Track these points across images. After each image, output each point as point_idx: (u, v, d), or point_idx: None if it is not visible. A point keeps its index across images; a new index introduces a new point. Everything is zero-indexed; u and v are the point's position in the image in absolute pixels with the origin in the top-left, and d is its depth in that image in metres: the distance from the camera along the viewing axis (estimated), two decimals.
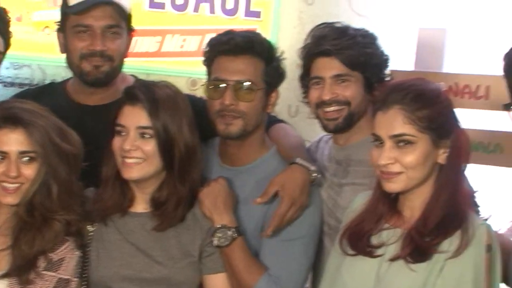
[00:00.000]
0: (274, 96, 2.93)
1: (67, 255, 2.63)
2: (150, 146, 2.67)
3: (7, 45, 3.15)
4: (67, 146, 2.64)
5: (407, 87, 2.38)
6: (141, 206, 2.80)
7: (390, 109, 2.33)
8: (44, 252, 2.59)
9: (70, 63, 3.23)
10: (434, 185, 2.37)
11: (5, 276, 2.57)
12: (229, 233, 2.72)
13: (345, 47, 2.76)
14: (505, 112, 3.26)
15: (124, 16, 3.22)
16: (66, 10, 3.21)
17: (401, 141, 2.31)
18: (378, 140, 2.36)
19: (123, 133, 2.68)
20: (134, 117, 2.68)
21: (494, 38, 3.72)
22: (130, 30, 3.27)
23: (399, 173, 2.32)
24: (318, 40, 2.82)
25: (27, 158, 2.59)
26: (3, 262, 2.59)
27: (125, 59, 3.32)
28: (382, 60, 2.85)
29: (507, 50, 2.25)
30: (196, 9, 3.99)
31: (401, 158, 2.31)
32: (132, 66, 3.39)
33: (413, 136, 2.30)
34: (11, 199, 2.60)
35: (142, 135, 2.67)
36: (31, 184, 2.60)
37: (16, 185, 2.58)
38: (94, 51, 3.13)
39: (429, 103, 2.33)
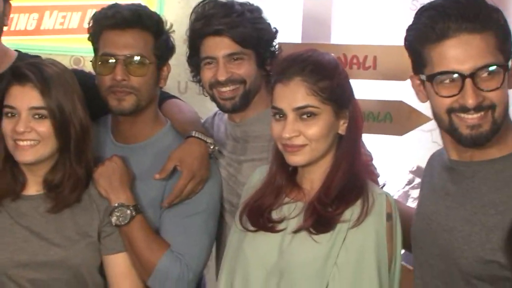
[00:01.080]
0: (166, 70, 2.97)
1: None
2: (45, 127, 2.65)
3: None
4: None
5: (305, 58, 2.44)
6: (33, 188, 2.78)
7: (291, 81, 2.38)
8: None
9: None
10: (334, 156, 2.45)
11: None
12: (128, 211, 2.75)
13: (236, 25, 2.81)
14: (394, 82, 3.39)
15: None
16: None
17: (304, 113, 2.37)
18: (279, 114, 2.40)
19: (14, 115, 2.65)
20: (25, 98, 2.66)
21: (380, 8, 3.81)
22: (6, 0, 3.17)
23: (303, 145, 2.38)
24: (206, 19, 2.84)
25: None
26: None
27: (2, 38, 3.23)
28: (272, 35, 2.90)
29: (408, 22, 2.29)
30: None
31: (305, 130, 2.37)
32: (10, 45, 3.32)
33: (317, 108, 2.37)
34: None
35: (35, 116, 2.65)
36: None
37: None
38: None
39: (329, 74, 2.40)
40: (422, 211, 2.44)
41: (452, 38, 2.13)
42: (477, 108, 2.13)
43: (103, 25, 2.90)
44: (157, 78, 2.92)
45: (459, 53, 2.12)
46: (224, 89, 2.82)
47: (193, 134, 2.88)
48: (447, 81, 2.15)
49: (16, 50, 3.26)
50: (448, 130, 2.23)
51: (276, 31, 2.95)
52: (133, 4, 3.03)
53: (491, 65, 2.11)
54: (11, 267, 2.71)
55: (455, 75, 2.12)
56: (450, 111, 2.17)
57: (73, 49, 3.51)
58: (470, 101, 2.11)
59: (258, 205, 2.53)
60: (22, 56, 3.15)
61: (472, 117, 2.14)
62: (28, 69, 2.70)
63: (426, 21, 2.20)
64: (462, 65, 2.11)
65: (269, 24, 2.92)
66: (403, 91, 3.25)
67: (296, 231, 2.43)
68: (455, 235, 2.22)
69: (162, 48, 2.93)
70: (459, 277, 2.22)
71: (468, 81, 2.11)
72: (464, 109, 2.14)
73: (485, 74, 2.11)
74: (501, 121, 2.16)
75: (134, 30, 2.86)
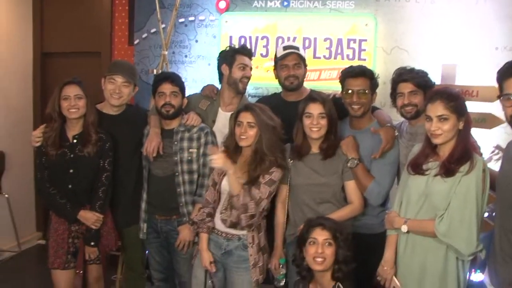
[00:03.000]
0: (375, 96, 2.81)
1: (275, 172, 2.54)
2: (325, 122, 2.62)
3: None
4: (271, 122, 2.56)
5: (443, 90, 2.30)
6: (315, 149, 2.69)
7: (435, 102, 2.24)
8: (262, 173, 2.53)
9: (279, 82, 3.13)
10: (456, 140, 2.26)
11: (246, 183, 2.52)
12: (355, 161, 2.64)
13: (414, 77, 2.63)
14: (486, 103, 3.05)
15: (303, 59, 3.12)
16: (276, 60, 3.15)
17: (442, 118, 2.22)
18: (429, 118, 2.26)
19: (311, 117, 2.63)
20: (316, 109, 2.61)
21: (479, 69, 3.50)
22: (305, 66, 3.14)
23: (440, 134, 2.24)
24: (400, 74, 2.68)
25: (252, 125, 2.53)
26: (245, 177, 2.53)
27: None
28: (431, 82, 2.68)
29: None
30: (335, 58, 3.88)
31: (442, 127, 2.22)
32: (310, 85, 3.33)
33: (448, 115, 2.21)
34: (245, 143, 2.55)
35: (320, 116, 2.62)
36: (254, 138, 2.54)
37: (244, 137, 2.54)
38: (289, 75, 3.04)
39: (455, 99, 2.24)
40: (503, 171, 2.24)
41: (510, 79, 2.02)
42: None
43: (346, 75, 2.78)
44: (371, 100, 2.77)
45: None
46: (407, 108, 2.64)
47: (388, 125, 2.74)
48: (510, 99, 2.02)
49: (310, 89, 3.17)
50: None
51: (434, 83, 2.71)
52: (361, 65, 2.85)
53: None
54: (304, 186, 2.68)
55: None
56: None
57: (334, 87, 3.33)
58: None
59: (417, 162, 2.37)
60: (312, 91, 3.02)
61: None
62: (316, 95, 2.70)
63: (505, 69, 2.08)
64: None
65: (430, 78, 2.68)
66: (491, 107, 2.99)
67: (435, 175, 2.27)
68: None
69: (374, 85, 2.77)
70: None
71: None
72: None
73: None
74: None
75: (361, 77, 2.73)
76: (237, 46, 3.21)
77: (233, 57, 3.08)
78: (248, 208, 2.50)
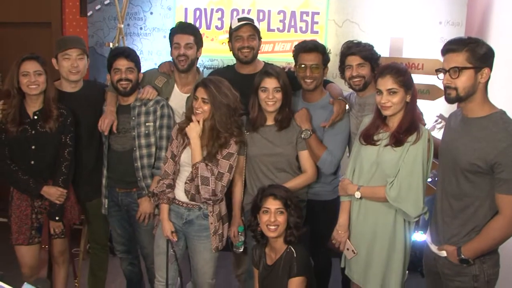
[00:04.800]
0: (326, 70, 2.85)
1: (232, 144, 2.57)
2: (279, 95, 2.65)
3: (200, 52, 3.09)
4: (225, 100, 2.52)
5: (392, 66, 2.38)
6: (270, 121, 2.73)
7: (385, 77, 2.32)
8: (220, 148, 2.54)
9: (234, 54, 3.08)
10: (404, 111, 2.36)
11: (204, 158, 2.53)
12: (309, 132, 2.69)
13: (361, 50, 2.68)
14: (430, 76, 3.17)
15: (258, 31, 3.07)
16: (231, 31, 3.10)
17: (391, 92, 2.31)
18: (379, 91, 2.35)
19: (266, 91, 2.65)
20: (272, 83, 2.63)
21: (424, 43, 3.61)
22: (260, 38, 3.10)
23: (390, 106, 2.33)
24: (348, 47, 2.71)
25: (205, 101, 2.51)
26: (203, 153, 2.54)
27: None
28: (377, 56, 2.73)
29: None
30: (288, 31, 3.86)
31: (391, 99, 2.32)
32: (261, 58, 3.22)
33: (396, 89, 2.31)
34: (199, 117, 2.54)
35: (275, 90, 2.65)
36: (208, 113, 2.52)
37: (199, 112, 2.53)
38: (244, 46, 2.99)
39: (403, 73, 2.33)
40: (445, 140, 2.32)
41: (445, 55, 2.10)
42: (447, 86, 2.10)
43: (299, 50, 2.80)
44: (323, 74, 2.81)
45: (445, 60, 2.10)
46: (355, 79, 2.69)
47: (339, 98, 2.80)
48: (441, 72, 2.12)
49: (263, 61, 3.18)
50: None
51: (379, 55, 2.76)
52: (313, 40, 2.89)
53: (456, 67, 2.05)
54: (260, 156, 2.72)
55: (443, 70, 2.10)
56: (445, 88, 2.14)
57: (287, 60, 3.34)
58: (445, 82, 2.11)
59: (368, 133, 2.46)
60: (266, 64, 3.09)
61: (448, 92, 2.12)
62: (271, 70, 2.70)
63: (443, 47, 2.13)
64: (446, 65, 2.08)
65: (375, 51, 2.73)
66: (434, 80, 3.04)
67: (386, 145, 2.38)
68: (459, 151, 2.14)
69: (325, 60, 2.80)
70: (460, 171, 2.14)
71: (447, 73, 2.08)
72: (446, 87, 2.12)
73: (454, 70, 2.06)
74: (464, 95, 2.09)
75: (314, 52, 2.76)
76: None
77: (171, 38, 3.03)
78: (209, 182, 2.52)
